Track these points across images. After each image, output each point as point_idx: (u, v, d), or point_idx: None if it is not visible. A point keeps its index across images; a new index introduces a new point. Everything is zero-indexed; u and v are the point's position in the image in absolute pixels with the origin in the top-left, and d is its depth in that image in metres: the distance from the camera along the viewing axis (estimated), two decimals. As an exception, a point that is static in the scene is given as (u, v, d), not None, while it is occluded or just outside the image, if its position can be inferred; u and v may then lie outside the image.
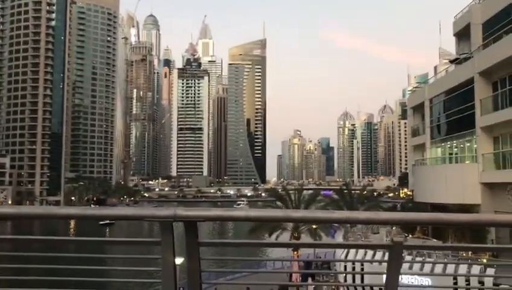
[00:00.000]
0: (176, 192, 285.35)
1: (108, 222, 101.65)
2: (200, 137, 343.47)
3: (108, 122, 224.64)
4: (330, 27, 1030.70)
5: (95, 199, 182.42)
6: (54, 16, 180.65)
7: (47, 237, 3.27)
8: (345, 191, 57.15)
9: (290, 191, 52.49)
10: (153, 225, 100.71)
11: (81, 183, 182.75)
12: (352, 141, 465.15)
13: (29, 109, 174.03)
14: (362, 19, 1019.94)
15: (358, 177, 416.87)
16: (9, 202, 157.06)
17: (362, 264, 24.70)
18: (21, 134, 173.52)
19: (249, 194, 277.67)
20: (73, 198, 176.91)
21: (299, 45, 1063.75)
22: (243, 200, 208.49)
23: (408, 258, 19.30)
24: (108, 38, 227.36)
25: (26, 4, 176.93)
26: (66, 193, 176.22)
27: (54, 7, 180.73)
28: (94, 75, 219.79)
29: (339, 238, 38.71)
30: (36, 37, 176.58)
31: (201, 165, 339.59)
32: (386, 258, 2.94)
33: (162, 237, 3.03)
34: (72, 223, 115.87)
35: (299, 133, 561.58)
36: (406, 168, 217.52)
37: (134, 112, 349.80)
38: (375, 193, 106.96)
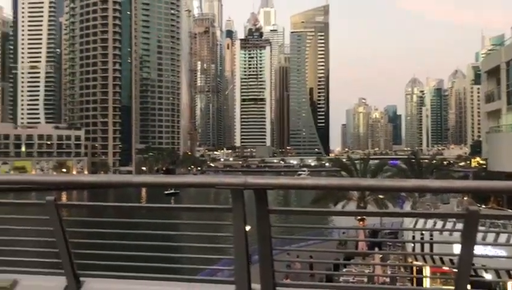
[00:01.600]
0: (240, 162, 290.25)
1: (173, 191, 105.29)
2: (263, 107, 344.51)
3: (175, 95, 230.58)
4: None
5: (164, 169, 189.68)
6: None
7: (122, 204, 3.46)
8: (413, 161, 55.48)
9: (356, 161, 51.65)
10: (218, 196, 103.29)
11: (151, 154, 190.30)
12: (421, 108, 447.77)
13: (100, 84, 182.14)
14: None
15: (427, 146, 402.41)
16: (86, 172, 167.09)
17: (431, 235, 24.03)
18: (94, 108, 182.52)
19: (312, 164, 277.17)
20: (143, 168, 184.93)
21: (364, 9, 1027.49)
22: (304, 170, 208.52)
23: (481, 228, 18.48)
24: (172, 12, 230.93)
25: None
26: (136, 164, 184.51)
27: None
28: (159, 49, 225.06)
29: (407, 208, 37.86)
30: (104, 13, 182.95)
31: (264, 135, 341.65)
32: (459, 227, 2.90)
33: (233, 204, 3.15)
34: (143, 192, 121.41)
35: (364, 101, 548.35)
36: (479, 136, 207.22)
37: (198, 84, 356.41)
38: (445, 162, 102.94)
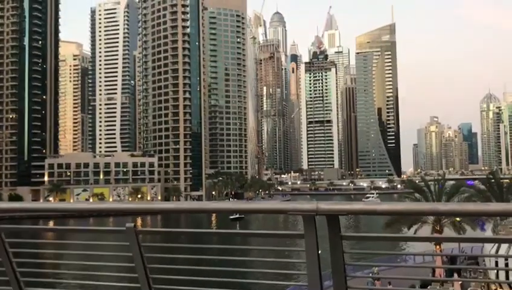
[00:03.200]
0: (308, 185, 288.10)
1: (238, 216, 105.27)
2: (330, 129, 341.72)
3: (242, 120, 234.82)
4: (466, 1, 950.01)
5: (233, 193, 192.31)
6: (188, 23, 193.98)
7: (195, 230, 3.64)
8: (492, 181, 52.36)
9: (430, 182, 49.55)
10: (286, 221, 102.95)
11: (220, 178, 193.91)
12: (499, 125, 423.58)
13: (172, 112, 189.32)
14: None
15: (507, 164, 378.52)
16: (159, 198, 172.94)
17: (516, 261, 22.41)
18: (166, 135, 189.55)
19: (383, 186, 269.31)
20: (213, 193, 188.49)
21: (431, 26, 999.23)
22: (373, 193, 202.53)
23: None
24: (238, 40, 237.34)
25: (164, 16, 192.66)
26: (207, 188, 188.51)
27: (188, 15, 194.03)
28: (227, 76, 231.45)
29: (488, 231, 35.70)
30: (174, 45, 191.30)
31: (332, 157, 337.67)
32: None
33: (305, 230, 3.16)
34: (213, 217, 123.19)
35: (436, 119, 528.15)
36: None
37: (264, 108, 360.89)
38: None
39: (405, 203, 2.95)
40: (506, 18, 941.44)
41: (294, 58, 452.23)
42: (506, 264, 23.66)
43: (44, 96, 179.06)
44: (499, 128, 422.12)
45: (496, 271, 24.11)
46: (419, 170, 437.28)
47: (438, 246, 35.44)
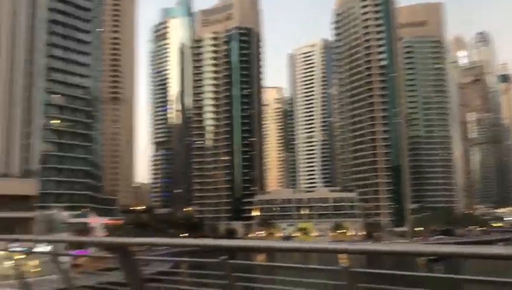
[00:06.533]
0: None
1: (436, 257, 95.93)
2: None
3: (446, 150, 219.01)
4: None
5: (441, 229, 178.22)
6: (383, 56, 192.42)
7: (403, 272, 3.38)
8: None
9: None
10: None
11: (425, 213, 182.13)
12: None
13: (370, 146, 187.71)
14: None
15: None
16: (359, 233, 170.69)
17: None
18: (364, 170, 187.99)
19: None
20: (418, 228, 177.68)
21: None
22: None
23: None
24: (436, 66, 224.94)
25: (358, 52, 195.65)
26: (411, 224, 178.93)
27: (382, 48, 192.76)
28: (426, 105, 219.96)
29: None
30: (369, 79, 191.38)
31: None
32: None
33: None
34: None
35: None
36: None
37: (472, 136, 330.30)
38: None
39: None
40: None
41: (504, 78, 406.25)
42: None
43: (252, 139, 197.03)
44: None
45: None
46: None
47: None
